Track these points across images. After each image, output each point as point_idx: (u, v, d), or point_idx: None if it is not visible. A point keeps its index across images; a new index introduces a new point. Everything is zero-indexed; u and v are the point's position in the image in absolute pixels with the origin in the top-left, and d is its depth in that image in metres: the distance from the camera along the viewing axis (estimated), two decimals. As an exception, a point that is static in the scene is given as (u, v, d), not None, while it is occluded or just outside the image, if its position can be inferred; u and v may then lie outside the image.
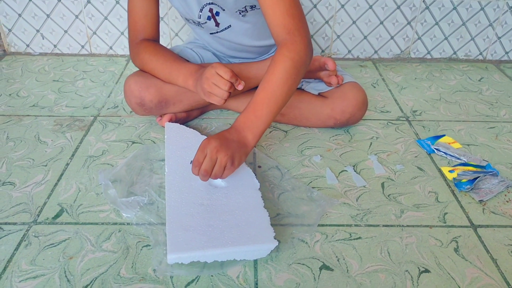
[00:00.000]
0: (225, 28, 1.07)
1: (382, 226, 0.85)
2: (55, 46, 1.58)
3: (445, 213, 0.89)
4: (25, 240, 0.80)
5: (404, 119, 1.23)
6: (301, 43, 0.90)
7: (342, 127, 1.15)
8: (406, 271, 0.76)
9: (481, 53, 1.59)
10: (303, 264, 0.77)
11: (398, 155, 1.07)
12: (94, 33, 1.55)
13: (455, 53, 1.59)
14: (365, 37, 1.55)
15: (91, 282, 0.72)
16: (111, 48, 1.58)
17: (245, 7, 1.01)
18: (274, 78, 0.88)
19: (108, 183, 0.90)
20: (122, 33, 1.55)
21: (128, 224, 0.84)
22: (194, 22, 1.08)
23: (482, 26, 1.53)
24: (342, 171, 1.01)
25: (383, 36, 1.55)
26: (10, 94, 1.32)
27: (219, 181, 0.88)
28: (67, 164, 1.01)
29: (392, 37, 1.55)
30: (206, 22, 1.06)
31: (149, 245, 0.80)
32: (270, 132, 1.15)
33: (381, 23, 1.52)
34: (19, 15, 1.51)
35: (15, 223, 0.84)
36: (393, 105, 1.30)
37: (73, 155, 1.04)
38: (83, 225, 0.84)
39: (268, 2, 0.90)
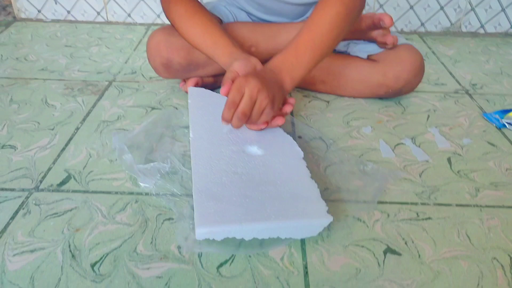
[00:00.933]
0: None
1: (455, 205, 0.70)
2: (68, 12, 1.45)
3: (531, 193, 0.73)
4: (23, 208, 0.67)
5: (464, 92, 1.07)
6: None
7: (394, 97, 1.00)
8: (494, 258, 0.60)
9: (541, 28, 1.42)
10: (362, 247, 0.61)
11: (462, 129, 0.91)
12: (112, -2, 1.42)
13: (512, 27, 1.42)
14: (411, 7, 1.39)
15: (101, 258, 0.58)
16: (129, 15, 1.45)
17: None
18: (322, 21, 0.76)
19: (123, 147, 0.76)
20: (142, -1, 1.41)
21: (146, 194, 0.70)
22: None
23: (544, -4, 1.36)
24: (398, 144, 0.85)
25: (432, 6, 1.38)
26: (17, 58, 1.19)
27: (254, 149, 0.73)
28: (77, 129, 0.87)
29: (441, 8, 1.38)
30: None
31: (172, 219, 0.65)
32: (310, 101, 1.00)
33: (430, -9, 1.36)
34: (32, -24, 1.39)
35: (12, 189, 0.71)
36: (448, 77, 1.14)
37: (84, 120, 0.91)
38: (93, 194, 0.70)
39: None
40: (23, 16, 1.45)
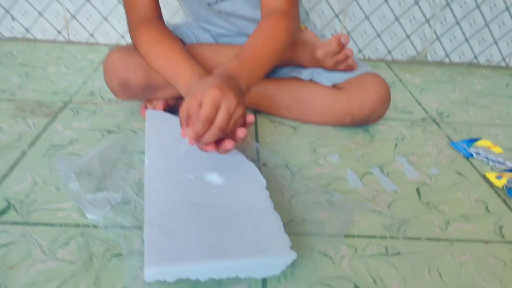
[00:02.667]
0: None
1: (425, 239, 0.66)
2: (27, 30, 1.38)
3: (501, 226, 0.70)
4: (-50, 243, 0.59)
5: (431, 120, 1.06)
6: (296, 17, 0.85)
7: (361, 125, 0.97)
8: (467, 298, 0.56)
9: (503, 59, 1.45)
10: (328, 285, 0.57)
11: (430, 158, 0.89)
12: (73, 17, 1.36)
13: (475, 57, 1.44)
14: (378, 35, 1.39)
15: (34, 303, 0.51)
16: (91, 35, 1.39)
17: None
18: (272, 38, 0.78)
19: (70, 174, 0.70)
20: (106, 19, 1.36)
21: (94, 227, 0.64)
22: None
23: (506, 28, 1.39)
24: (366, 172, 0.82)
25: (398, 34, 1.39)
26: (-35, 76, 1.11)
27: (214, 177, 0.68)
28: (24, 153, 0.80)
29: (408, 36, 1.40)
30: None
31: (121, 255, 0.59)
32: (276, 127, 0.97)
33: (397, 19, 1.37)
34: (-13, -8, 1.32)
35: None
36: (415, 105, 1.13)
37: (32, 143, 0.84)
38: (34, 226, 0.63)
39: None
40: (-24, 32, 1.38)
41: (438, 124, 1.03)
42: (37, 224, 0.64)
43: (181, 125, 0.68)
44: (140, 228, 0.62)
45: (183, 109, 0.68)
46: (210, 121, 0.62)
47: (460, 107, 1.14)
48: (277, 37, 0.78)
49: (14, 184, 0.72)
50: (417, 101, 1.16)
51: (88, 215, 0.65)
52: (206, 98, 0.63)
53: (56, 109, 0.97)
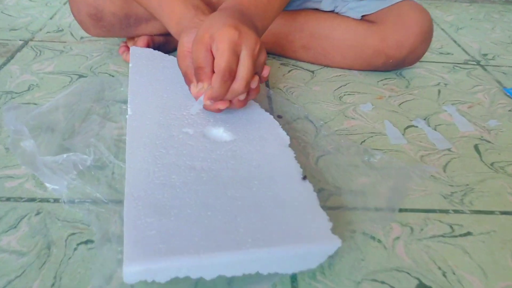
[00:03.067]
0: None
1: (499, 213, 0.50)
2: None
3: None
4: None
5: (475, 63, 0.87)
6: None
7: (394, 69, 0.79)
8: None
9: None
10: (382, 283, 0.41)
11: (483, 107, 0.71)
12: None
13: (513, -7, 1.24)
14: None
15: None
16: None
17: None
18: None
19: (21, 128, 0.51)
20: None
21: (55, 201, 0.46)
22: None
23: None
24: (409, 126, 0.65)
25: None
26: None
27: (220, 132, 0.50)
28: (-34, 102, 0.61)
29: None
30: None
31: (92, 241, 0.42)
32: (290, 71, 0.78)
33: None
34: None
35: None
36: (453, 46, 0.95)
37: (-22, 89, 0.65)
38: (-29, 201, 0.46)
39: None
40: None
41: (483, 67, 0.85)
42: (-25, 197, 0.46)
43: (184, 74, 0.51)
44: (119, 202, 0.45)
45: (183, 52, 0.50)
46: (233, 73, 0.46)
47: (505, 48, 0.96)
48: None
49: (-50, 143, 0.54)
50: (454, 41, 0.97)
51: (47, 184, 0.47)
52: (222, 42, 0.46)
53: (12, 47, 0.77)
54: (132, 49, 0.66)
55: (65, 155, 0.49)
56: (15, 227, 0.43)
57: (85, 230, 0.43)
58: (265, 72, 0.50)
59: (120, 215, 0.44)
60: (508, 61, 0.89)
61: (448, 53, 0.91)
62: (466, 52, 0.92)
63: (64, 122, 0.56)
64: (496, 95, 0.75)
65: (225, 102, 0.49)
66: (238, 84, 0.47)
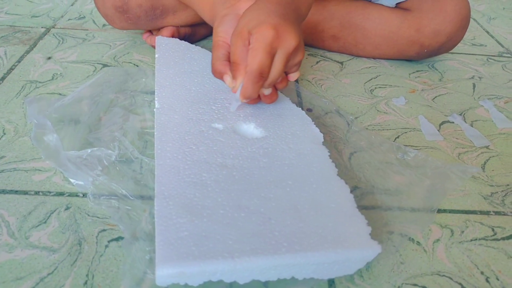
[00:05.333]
0: None
1: (543, 216, 0.48)
2: None
3: None
4: None
5: (510, 55, 0.84)
6: None
7: (429, 57, 0.76)
8: None
9: None
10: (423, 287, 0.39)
11: (522, 102, 0.68)
12: None
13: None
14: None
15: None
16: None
17: None
18: None
19: (44, 122, 0.50)
20: None
21: (84, 195, 0.45)
22: None
23: None
24: (444, 122, 0.62)
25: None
26: None
27: (251, 128, 0.48)
28: (-8, 92, 0.61)
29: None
30: None
31: (123, 238, 0.41)
32: (318, 62, 0.76)
33: None
34: None
35: None
36: (486, 37, 0.91)
37: (3, 79, 0.64)
38: (1, 195, 0.45)
39: None
40: None
41: (519, 60, 0.82)
42: (3, 191, 0.45)
43: (212, 63, 0.49)
44: (147, 199, 0.44)
45: (220, 44, 0.49)
46: (265, 74, 0.45)
47: (541, 39, 0.92)
48: None
49: (-23, 134, 0.53)
50: (487, 32, 0.93)
51: (71, 180, 0.46)
52: (257, 41, 0.44)
53: (35, 35, 0.76)
54: (158, 39, 0.65)
55: (89, 150, 0.48)
56: (45, 222, 0.42)
57: (115, 226, 0.42)
58: (293, 76, 0.49)
59: (148, 213, 0.43)
60: (545, 54, 0.85)
61: (481, 45, 0.87)
62: (500, 43, 0.88)
63: (88, 113, 0.55)
64: (535, 89, 0.72)
65: (256, 99, 0.48)
66: (268, 84, 0.46)
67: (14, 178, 0.47)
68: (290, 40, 0.44)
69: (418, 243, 0.43)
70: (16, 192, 0.45)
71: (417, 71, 0.75)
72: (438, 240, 0.44)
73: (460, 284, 0.40)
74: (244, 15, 0.46)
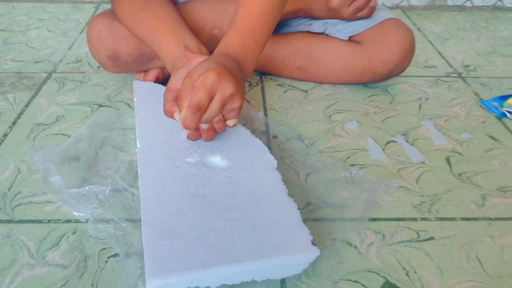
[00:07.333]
0: None
1: (460, 219, 0.59)
2: (5, -11, 1.25)
3: (546, 200, 0.62)
4: None
5: (456, 75, 0.95)
6: None
7: (382, 81, 0.87)
8: (514, 291, 0.50)
9: (531, 0, 1.31)
10: (355, 282, 0.50)
11: (459, 120, 0.79)
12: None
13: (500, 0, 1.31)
14: (393, -22, 1.26)
15: (21, 321, 0.45)
16: (76, -8, 1.27)
17: None
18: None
19: (48, 166, 0.61)
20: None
21: (87, 221, 0.56)
22: None
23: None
24: (389, 142, 0.73)
25: (416, -23, 1.25)
26: None
27: (217, 159, 0.60)
28: (5, 135, 0.72)
29: (426, -21, 1.26)
30: None
31: (118, 255, 0.52)
32: (285, 92, 0.87)
33: (414, -40, 1.23)
34: None
35: None
36: (438, 58, 1.02)
37: (14, 123, 0.75)
38: (19, 224, 0.56)
39: None
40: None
41: (464, 80, 0.93)
42: (22, 221, 0.56)
43: (165, 105, 0.60)
44: (136, 223, 0.55)
45: (170, 89, 0.61)
46: (202, 109, 0.55)
47: (487, 58, 1.03)
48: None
49: (-4, 173, 0.64)
50: (440, 53, 1.05)
51: (74, 213, 0.57)
52: (202, 83, 0.54)
53: (39, 80, 0.88)
54: (136, 83, 0.76)
55: (87, 187, 0.59)
56: (57, 244, 0.53)
57: (112, 246, 0.53)
58: (230, 122, 0.59)
59: (137, 236, 0.53)
60: (487, 72, 0.97)
61: (432, 66, 0.98)
62: (449, 64, 1.00)
63: (87, 151, 0.66)
64: (473, 107, 0.83)
65: (196, 133, 0.59)
66: (203, 119, 0.56)
67: (30, 210, 0.58)
68: (228, 87, 0.54)
69: (355, 246, 0.54)
70: (32, 221, 0.56)
71: (372, 95, 0.86)
72: (371, 243, 0.55)
73: (384, 278, 0.51)
74: (198, 64, 0.57)
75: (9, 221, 0.56)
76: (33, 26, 1.12)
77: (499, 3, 1.31)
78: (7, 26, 1.12)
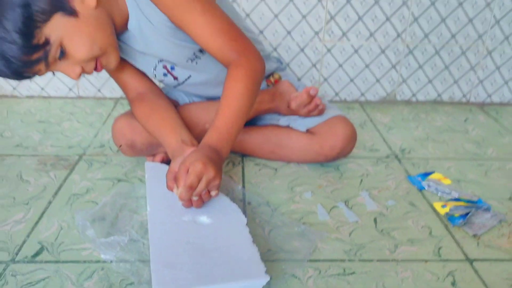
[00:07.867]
0: (186, 79, 1.07)
1: (376, 261, 0.83)
2: (42, 88, 1.57)
3: (440, 248, 0.86)
4: (1, 280, 0.75)
5: (393, 156, 1.23)
6: (254, 59, 0.93)
7: (332, 161, 1.14)
8: (404, 306, 0.72)
9: (464, 96, 1.63)
10: (296, 301, 0.73)
11: (389, 191, 1.05)
12: (82, 75, 1.56)
13: (439, 95, 1.63)
14: (351, 80, 1.58)
15: (70, 322, 0.68)
16: (99, 90, 1.59)
17: (193, 53, 1.00)
18: (237, 97, 0.90)
19: (85, 223, 0.86)
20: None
21: (111, 262, 0.80)
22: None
23: (464, 69, 1.58)
24: (333, 207, 0.99)
25: (369, 79, 1.58)
26: (-6, 135, 1.30)
27: (204, 218, 0.85)
28: (50, 202, 0.97)
29: (377, 80, 1.59)
30: (163, 79, 1.07)
31: (134, 283, 0.75)
32: (260, 169, 1.14)
33: (367, 66, 1.56)
34: (9, 58, 1.51)
35: (-10, 262, 0.80)
36: (382, 144, 1.31)
37: (56, 194, 1.01)
38: (64, 264, 0.80)
39: (206, 35, 0.91)
40: (-1, 93, 1.57)
41: (399, 160, 1.21)
42: (66, 261, 0.80)
43: (167, 182, 0.87)
44: (145, 261, 0.79)
45: (171, 171, 0.88)
46: (193, 188, 0.81)
47: (421, 143, 1.32)
48: (239, 93, 0.90)
49: (45, 230, 0.89)
50: (384, 139, 1.33)
51: (102, 256, 0.81)
52: (192, 169, 0.81)
53: (72, 162, 1.15)
54: (147, 164, 1.03)
55: (112, 237, 0.83)
56: (91, 277, 0.77)
57: (130, 277, 0.77)
58: (213, 194, 0.85)
59: (147, 271, 0.77)
60: (418, 154, 1.25)
61: (376, 150, 1.26)
62: (390, 148, 1.28)
63: (110, 214, 0.92)
64: (401, 181, 1.10)
65: (188, 203, 0.84)
66: (194, 194, 0.82)
67: (72, 254, 0.82)
68: (211, 171, 0.81)
69: (299, 278, 0.78)
70: (72, 261, 0.80)
71: (326, 172, 1.13)
72: (311, 276, 0.78)
73: (316, 298, 0.74)
74: (189, 155, 0.84)
75: (56, 261, 0.80)
76: (66, 118, 1.43)
77: (439, 98, 1.63)
78: (45, 119, 1.42)
